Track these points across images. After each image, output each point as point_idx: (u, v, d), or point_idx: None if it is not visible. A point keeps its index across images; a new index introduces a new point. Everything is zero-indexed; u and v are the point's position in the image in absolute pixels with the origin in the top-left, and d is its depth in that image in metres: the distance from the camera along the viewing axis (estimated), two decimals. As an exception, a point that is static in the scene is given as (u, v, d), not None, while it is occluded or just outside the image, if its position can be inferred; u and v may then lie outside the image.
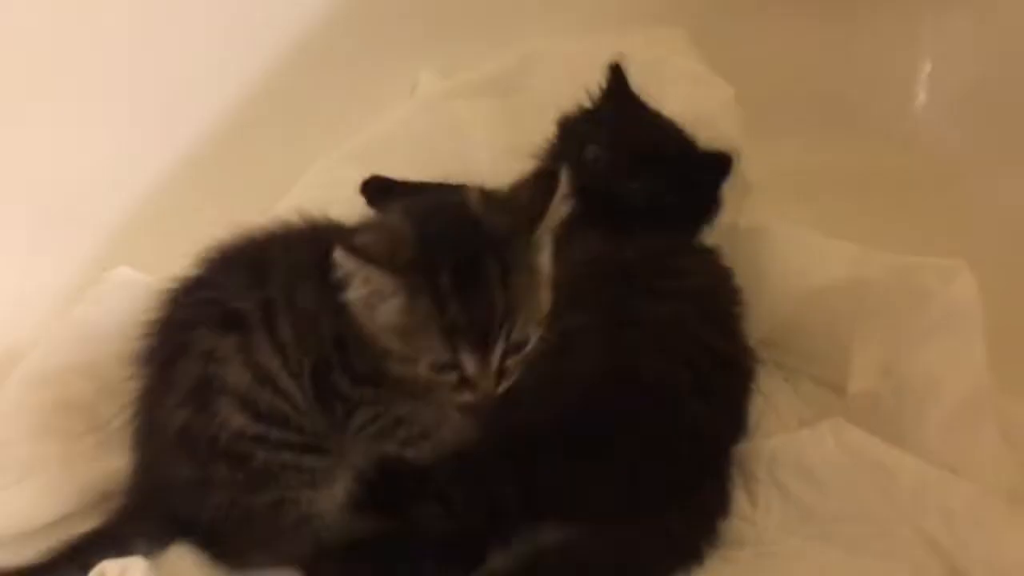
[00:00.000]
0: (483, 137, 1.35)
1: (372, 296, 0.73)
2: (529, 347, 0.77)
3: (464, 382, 0.76)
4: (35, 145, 1.16)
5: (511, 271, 0.74)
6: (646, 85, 1.31)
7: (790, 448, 0.93)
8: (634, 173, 1.04)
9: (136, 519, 0.85)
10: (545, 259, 0.77)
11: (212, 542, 0.85)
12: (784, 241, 1.08)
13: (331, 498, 0.85)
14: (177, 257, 1.19)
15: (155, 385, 0.83)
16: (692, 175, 1.06)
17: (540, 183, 0.78)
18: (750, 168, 1.19)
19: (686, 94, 1.27)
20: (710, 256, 1.05)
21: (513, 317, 0.74)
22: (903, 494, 0.88)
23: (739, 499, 0.92)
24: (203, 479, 0.81)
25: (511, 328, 0.74)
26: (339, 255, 0.71)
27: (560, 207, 0.76)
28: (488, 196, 0.79)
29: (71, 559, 0.82)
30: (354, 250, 0.72)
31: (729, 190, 1.17)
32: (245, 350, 0.79)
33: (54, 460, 0.92)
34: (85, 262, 1.21)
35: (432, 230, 0.75)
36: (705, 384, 0.89)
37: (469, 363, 0.74)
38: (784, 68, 1.40)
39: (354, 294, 0.74)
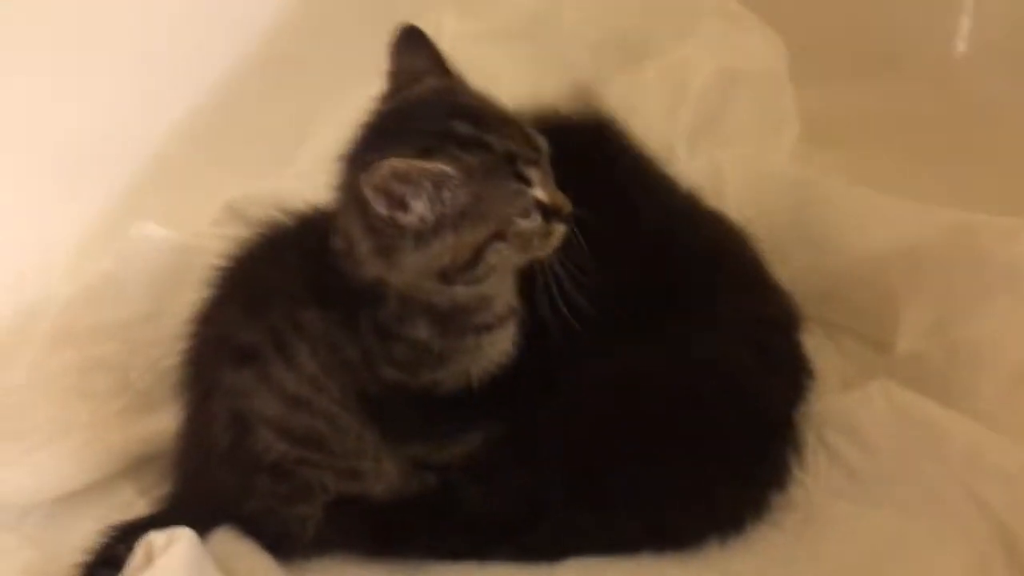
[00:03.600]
0: (510, 80, 1.30)
1: (430, 203, 0.69)
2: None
3: (547, 213, 0.72)
4: (47, 98, 1.13)
5: (480, 96, 0.74)
6: (677, 23, 1.27)
7: (838, 410, 0.91)
8: None
9: (181, 509, 0.83)
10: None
11: (250, 534, 0.83)
12: (837, 198, 1.04)
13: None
14: (194, 209, 1.21)
15: (197, 413, 0.82)
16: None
17: (409, 43, 0.77)
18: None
19: (723, 31, 1.23)
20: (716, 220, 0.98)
21: (519, 119, 0.74)
22: (955, 456, 0.85)
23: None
24: (246, 486, 0.80)
25: (530, 129, 0.74)
26: (377, 175, 0.66)
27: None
28: (387, 95, 0.77)
29: (119, 540, 0.80)
30: (383, 169, 0.66)
31: (766, 126, 1.14)
32: (266, 380, 0.77)
33: (83, 423, 0.90)
34: (102, 215, 1.19)
35: (400, 133, 0.72)
36: (757, 354, 0.86)
37: (539, 182, 0.72)
38: (816, 11, 1.35)
39: (413, 217, 0.69)
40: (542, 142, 0.74)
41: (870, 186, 1.08)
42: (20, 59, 1.11)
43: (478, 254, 0.71)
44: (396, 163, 0.66)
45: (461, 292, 0.75)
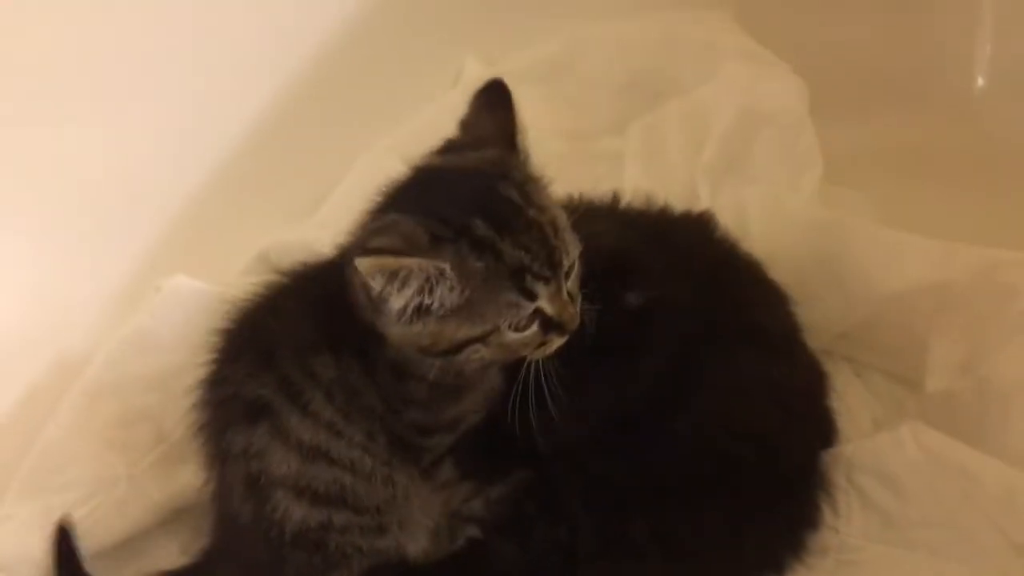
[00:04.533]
0: (531, 123, 1.31)
1: (418, 294, 0.67)
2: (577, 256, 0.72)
3: (548, 326, 0.72)
4: (76, 151, 1.14)
5: (526, 188, 0.71)
6: (699, 65, 1.29)
7: (869, 452, 0.91)
8: None
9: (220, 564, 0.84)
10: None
11: None
12: (862, 238, 1.04)
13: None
14: (224, 259, 1.22)
15: (220, 483, 0.82)
16: None
17: (489, 100, 0.76)
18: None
19: (744, 72, 1.24)
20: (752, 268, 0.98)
21: (556, 225, 0.71)
22: (988, 499, 0.85)
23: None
24: (277, 560, 0.79)
25: (562, 239, 0.70)
26: (367, 264, 0.65)
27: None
28: (448, 146, 0.76)
29: None
30: (378, 251, 0.66)
31: (789, 165, 1.15)
32: (281, 434, 0.76)
33: (122, 477, 0.92)
34: (132, 268, 1.20)
35: (428, 203, 0.70)
36: (784, 404, 0.87)
37: (546, 297, 0.70)
38: (834, 49, 1.35)
39: (397, 303, 0.68)
40: (573, 250, 0.72)
41: (893, 223, 1.08)
42: (50, 111, 1.12)
43: (458, 348, 0.71)
44: (387, 261, 0.66)
45: (441, 365, 0.73)
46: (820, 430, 0.92)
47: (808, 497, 0.88)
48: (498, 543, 0.82)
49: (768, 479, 0.84)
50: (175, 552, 0.92)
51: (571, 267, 0.72)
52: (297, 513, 0.77)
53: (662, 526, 0.81)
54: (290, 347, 0.77)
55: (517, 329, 0.71)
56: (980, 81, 1.30)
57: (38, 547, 0.86)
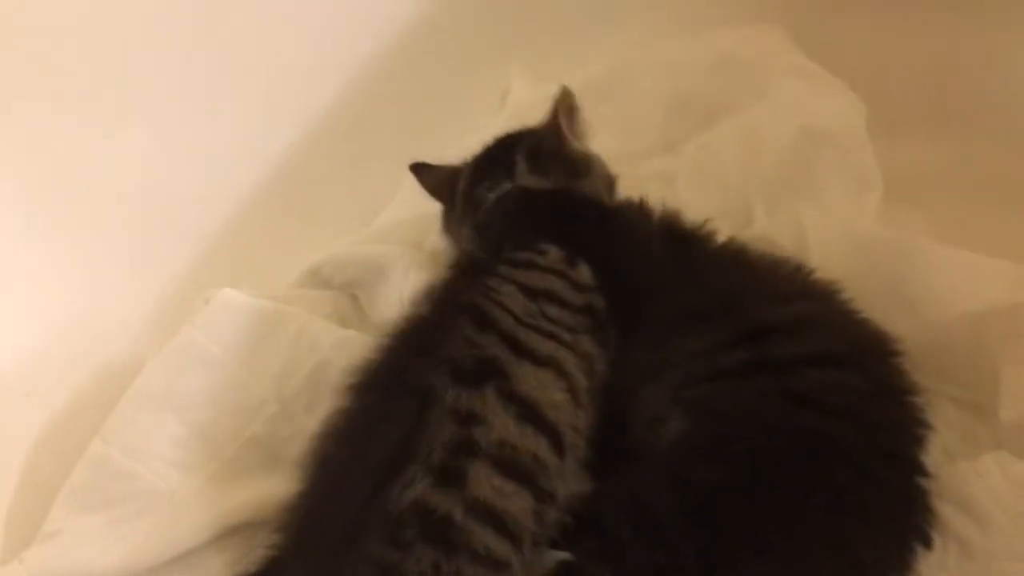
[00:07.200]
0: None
1: None
2: None
3: None
4: (124, 162, 1.13)
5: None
6: (752, 83, 1.27)
7: (949, 481, 0.87)
8: None
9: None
10: None
11: None
12: (930, 258, 1.00)
13: None
14: (273, 273, 1.20)
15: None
16: None
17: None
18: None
19: (800, 89, 1.22)
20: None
21: None
22: (1078, 533, 0.82)
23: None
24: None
25: None
26: None
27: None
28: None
29: None
30: None
31: (848, 185, 1.12)
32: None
33: (173, 493, 0.89)
34: (178, 279, 1.18)
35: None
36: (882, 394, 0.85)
37: None
38: (892, 67, 1.33)
39: None
40: None
41: (955, 244, 1.06)
42: (97, 122, 1.11)
43: None
44: None
45: None
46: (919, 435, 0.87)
47: (919, 508, 0.83)
48: (595, 568, 0.77)
49: (869, 471, 0.80)
50: (220, 568, 0.88)
51: None
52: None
53: (769, 535, 0.77)
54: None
55: None
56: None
57: (90, 561, 0.83)
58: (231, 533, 0.89)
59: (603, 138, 1.30)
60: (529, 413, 0.76)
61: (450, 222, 1.06)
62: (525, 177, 0.99)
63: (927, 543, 0.81)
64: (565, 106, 1.04)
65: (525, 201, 0.98)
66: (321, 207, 1.24)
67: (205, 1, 1.14)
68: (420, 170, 1.10)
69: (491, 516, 0.72)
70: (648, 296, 0.92)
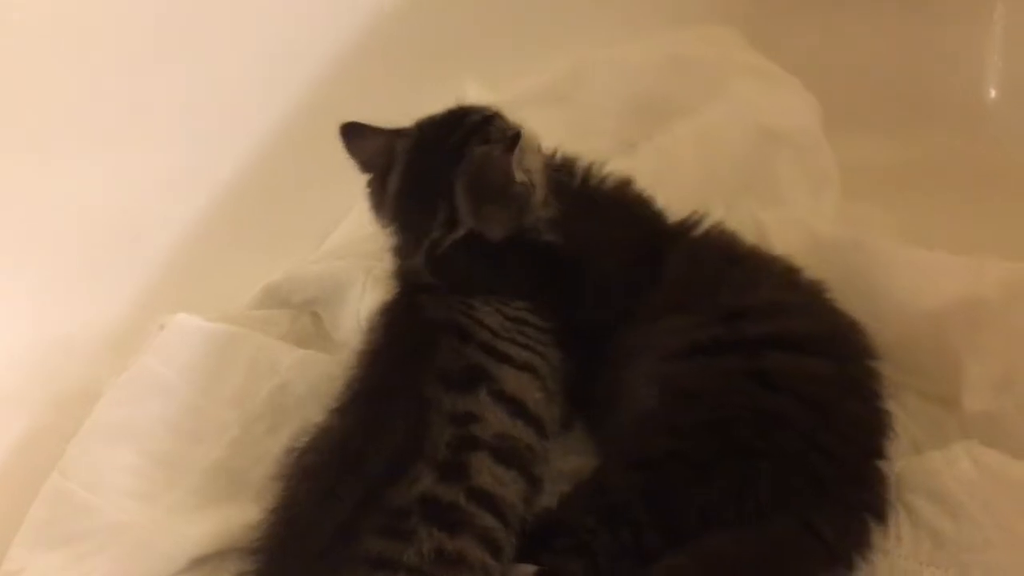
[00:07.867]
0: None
1: None
2: None
3: None
4: (75, 186, 1.11)
5: None
6: (707, 83, 1.27)
7: (918, 471, 0.88)
8: None
9: None
10: None
11: None
12: (889, 256, 1.01)
13: None
14: (228, 294, 1.18)
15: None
16: None
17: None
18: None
19: (755, 88, 1.22)
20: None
21: None
22: (1050, 518, 0.82)
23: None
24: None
25: None
26: None
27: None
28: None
29: None
30: None
31: (806, 184, 1.13)
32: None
33: (135, 524, 0.86)
34: (133, 304, 1.15)
35: None
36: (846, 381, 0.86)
37: None
38: (844, 63, 1.35)
39: None
40: None
41: (910, 237, 1.07)
42: (48, 146, 1.08)
43: None
44: None
45: None
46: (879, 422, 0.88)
47: (874, 486, 0.84)
48: (564, 567, 0.78)
49: (823, 447, 0.81)
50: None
51: None
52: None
53: (720, 504, 0.79)
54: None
55: None
56: (992, 93, 1.29)
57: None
58: (199, 564, 0.86)
59: (560, 140, 1.31)
60: (518, 409, 0.83)
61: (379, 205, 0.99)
62: (471, 219, 0.91)
63: (882, 518, 0.83)
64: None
65: (483, 255, 0.92)
66: (275, 227, 1.22)
67: (154, 27, 1.14)
68: (351, 132, 0.97)
69: (490, 501, 0.78)
70: (634, 296, 0.94)
